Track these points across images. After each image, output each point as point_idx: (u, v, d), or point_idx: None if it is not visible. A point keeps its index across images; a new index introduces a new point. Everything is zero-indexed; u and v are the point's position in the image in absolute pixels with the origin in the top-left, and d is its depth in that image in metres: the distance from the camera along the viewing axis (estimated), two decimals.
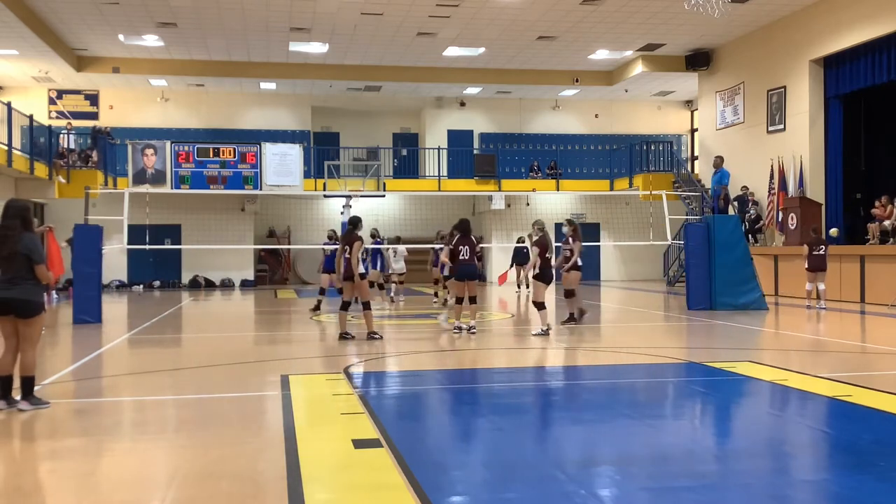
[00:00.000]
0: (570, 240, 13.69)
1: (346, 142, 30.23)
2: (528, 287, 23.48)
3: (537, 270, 12.60)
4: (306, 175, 25.53)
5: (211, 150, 22.83)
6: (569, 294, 13.72)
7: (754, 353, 10.77)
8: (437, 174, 28.01)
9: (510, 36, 23.51)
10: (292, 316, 16.72)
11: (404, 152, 30.00)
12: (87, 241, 15.04)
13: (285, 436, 5.95)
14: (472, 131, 31.22)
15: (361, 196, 25.68)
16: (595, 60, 26.46)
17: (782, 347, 11.31)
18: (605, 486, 4.84)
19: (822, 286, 16.49)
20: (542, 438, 6.19)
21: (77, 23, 21.70)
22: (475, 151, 29.80)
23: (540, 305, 12.49)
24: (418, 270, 24.60)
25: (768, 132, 22.83)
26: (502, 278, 19.87)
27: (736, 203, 23.29)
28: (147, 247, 18.73)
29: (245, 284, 28.44)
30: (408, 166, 29.68)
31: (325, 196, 26.72)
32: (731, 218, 18.02)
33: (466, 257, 12.62)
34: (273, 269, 29.34)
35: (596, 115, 31.83)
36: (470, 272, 12.68)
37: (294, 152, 23.38)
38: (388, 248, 19.92)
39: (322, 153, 27.78)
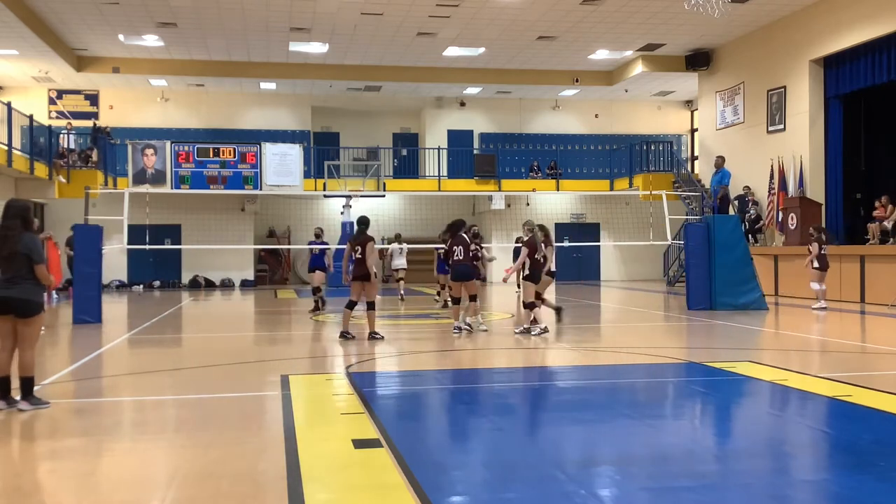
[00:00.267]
0: (543, 245, 13.53)
1: (346, 142, 30.24)
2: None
3: (527, 271, 12.55)
4: (306, 175, 25.54)
5: (211, 150, 22.84)
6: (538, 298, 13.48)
7: (754, 353, 10.76)
8: (437, 174, 28.02)
9: (510, 36, 23.51)
10: (292, 316, 16.72)
11: (404, 152, 30.00)
12: (87, 241, 15.03)
13: (285, 436, 5.95)
14: (472, 131, 31.23)
15: (361, 196, 25.69)
16: (595, 60, 26.46)
17: (782, 347, 11.31)
18: (605, 486, 4.84)
19: (824, 286, 16.52)
20: (542, 438, 6.19)
21: (77, 23, 21.70)
22: (475, 151, 29.81)
23: (530, 305, 12.49)
24: (419, 270, 24.63)
25: (768, 132, 22.83)
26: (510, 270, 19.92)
27: (736, 203, 23.29)
28: (147, 247, 18.73)
29: (245, 284, 28.45)
30: (408, 166, 29.68)
31: (325, 196, 26.73)
32: (731, 218, 18.02)
33: (460, 257, 12.59)
34: (273, 269, 29.34)
35: (596, 115, 31.83)
36: (465, 272, 12.63)
37: (294, 152, 23.39)
38: (389, 246, 19.96)
39: (322, 153, 27.79)
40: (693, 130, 31.21)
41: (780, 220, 21.49)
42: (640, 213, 25.48)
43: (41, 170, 22.69)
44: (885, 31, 18.54)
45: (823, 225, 20.61)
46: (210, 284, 28.19)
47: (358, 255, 11.88)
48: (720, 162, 23.47)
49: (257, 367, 9.82)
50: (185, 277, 28.37)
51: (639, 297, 21.30)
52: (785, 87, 22.09)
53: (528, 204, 28.85)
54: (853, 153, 21.06)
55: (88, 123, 27.06)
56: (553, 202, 29.56)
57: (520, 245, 22.36)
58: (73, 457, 5.70)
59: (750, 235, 21.91)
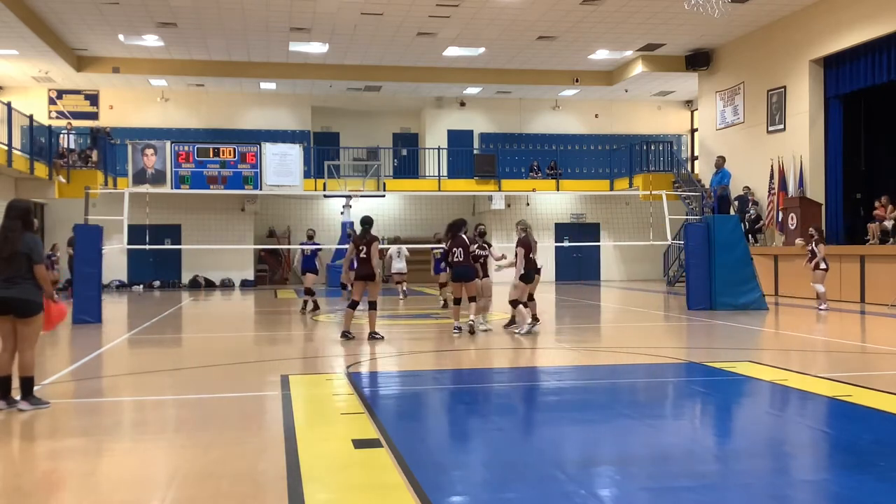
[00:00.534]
0: (486, 246, 13.43)
1: (346, 142, 30.24)
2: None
3: (522, 271, 12.49)
4: (306, 175, 25.54)
5: (211, 150, 22.84)
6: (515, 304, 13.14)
7: (754, 353, 10.76)
8: (437, 174, 28.01)
9: (510, 36, 23.51)
10: (292, 316, 16.71)
11: (404, 152, 30.00)
12: (87, 241, 15.04)
13: (285, 436, 5.95)
14: (472, 131, 31.23)
15: (361, 196, 25.69)
16: (595, 60, 26.46)
17: (782, 347, 11.31)
18: (605, 486, 4.84)
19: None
20: (542, 438, 6.19)
21: (77, 23, 21.70)
22: (475, 151, 29.80)
23: (515, 303, 12.49)
24: (420, 270, 24.62)
25: (768, 132, 22.83)
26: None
27: (736, 203, 23.29)
28: (147, 247, 18.73)
29: (245, 284, 28.45)
30: (408, 166, 29.68)
31: (325, 196, 26.73)
32: (731, 218, 18.02)
33: (460, 259, 12.53)
34: (273, 269, 29.34)
35: (596, 115, 31.83)
36: (465, 273, 12.56)
37: (294, 152, 23.39)
38: (388, 248, 19.96)
39: (322, 153, 27.79)
40: (693, 130, 31.21)
41: (780, 220, 21.50)
42: (640, 213, 25.48)
43: (41, 170, 22.70)
44: (885, 31, 18.54)
45: (823, 225, 20.64)
46: (210, 284, 28.19)
47: (363, 255, 11.87)
48: (720, 162, 23.47)
49: (257, 367, 9.82)
50: (185, 277, 28.37)
51: (639, 297, 21.30)
52: (785, 87, 22.09)
53: (528, 204, 28.85)
54: (853, 153, 21.06)
55: (88, 123, 27.09)
56: (553, 202, 29.55)
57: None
58: (73, 457, 5.70)
59: (750, 235, 21.91)
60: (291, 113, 30.07)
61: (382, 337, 11.92)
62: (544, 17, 21.64)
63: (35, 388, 7.12)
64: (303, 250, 17.21)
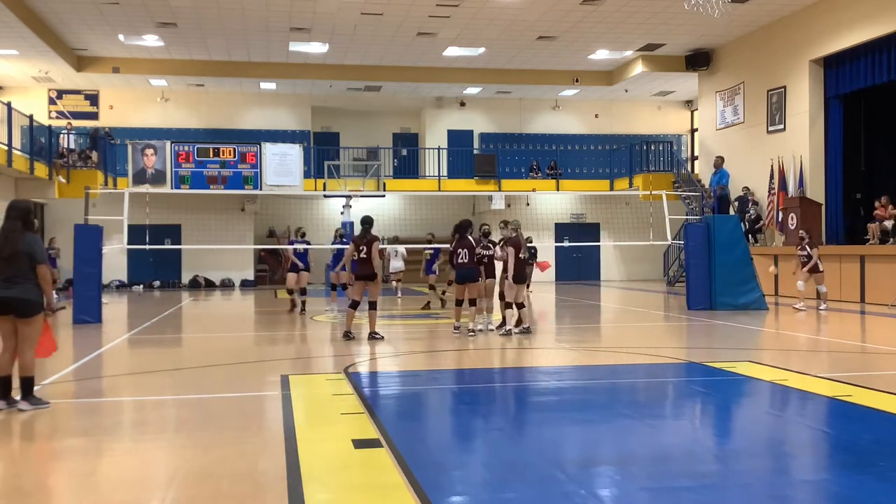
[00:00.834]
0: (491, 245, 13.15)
1: (346, 142, 30.24)
2: (528, 287, 23.49)
3: (512, 271, 12.44)
4: (306, 175, 25.53)
5: (211, 150, 22.81)
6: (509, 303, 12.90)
7: (754, 353, 10.76)
8: (437, 174, 28.01)
9: (510, 36, 23.51)
10: (292, 316, 16.70)
11: (404, 152, 30.00)
12: (87, 241, 15.04)
13: (285, 436, 5.95)
14: (472, 131, 31.23)
15: (361, 196, 25.68)
16: (595, 60, 26.46)
17: (782, 347, 11.31)
18: (605, 486, 4.84)
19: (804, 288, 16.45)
20: (542, 438, 6.18)
21: (77, 23, 21.70)
22: (475, 151, 29.80)
23: (506, 305, 12.46)
24: (418, 270, 24.57)
25: (768, 132, 22.83)
26: (544, 266, 20.01)
27: (736, 203, 23.29)
28: (147, 247, 18.72)
29: (245, 284, 28.45)
30: (408, 166, 29.68)
31: (325, 196, 26.72)
32: (731, 218, 18.02)
33: (465, 260, 12.45)
34: (273, 269, 29.33)
35: (596, 115, 31.83)
36: (468, 275, 12.48)
37: (294, 152, 23.36)
38: (386, 248, 19.96)
39: (322, 153, 27.78)
40: (693, 130, 31.21)
41: (780, 220, 21.49)
42: (640, 213, 25.48)
43: (41, 170, 22.69)
44: (885, 31, 18.54)
45: (823, 225, 20.65)
46: (210, 284, 28.19)
47: (363, 255, 11.86)
48: (719, 162, 23.47)
49: (257, 367, 9.82)
50: (185, 277, 28.37)
51: (639, 297, 21.30)
52: (785, 87, 22.09)
53: (528, 204, 28.85)
54: (853, 153, 21.06)
55: (88, 123, 27.08)
56: (553, 202, 29.55)
57: (528, 245, 22.46)
58: (73, 457, 5.70)
59: (750, 235, 21.91)
60: (291, 113, 30.07)
61: (382, 337, 11.92)
62: (544, 17, 21.64)
63: (35, 388, 7.12)
64: (296, 249, 17.06)
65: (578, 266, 30.35)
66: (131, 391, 8.40)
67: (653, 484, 4.88)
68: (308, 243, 17.39)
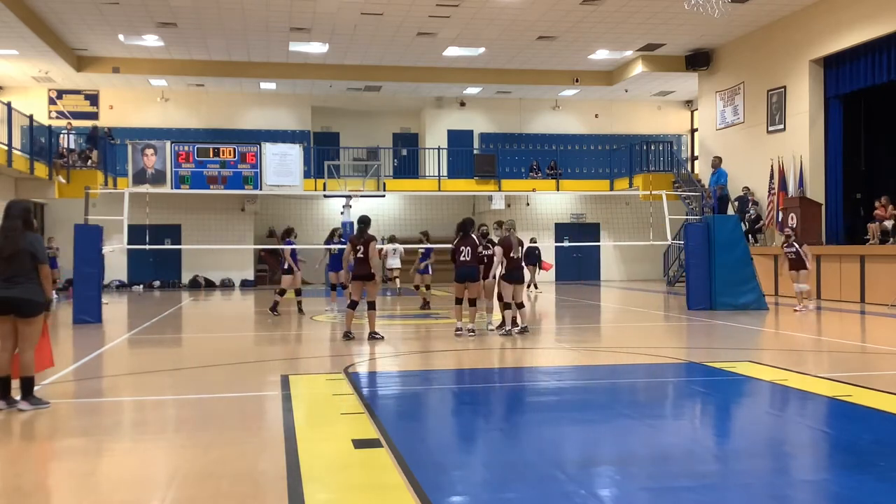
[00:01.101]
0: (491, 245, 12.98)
1: (346, 142, 30.24)
2: (536, 287, 23.52)
3: (503, 271, 12.35)
4: (306, 175, 25.53)
5: (211, 150, 22.82)
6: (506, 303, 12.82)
7: (754, 353, 10.76)
8: (437, 174, 28.02)
9: (510, 36, 23.51)
10: (292, 316, 16.70)
11: (404, 152, 30.00)
12: (87, 241, 15.02)
13: (285, 436, 5.95)
14: (472, 131, 31.24)
15: (361, 196, 25.68)
16: (595, 60, 26.46)
17: (782, 347, 11.31)
18: (605, 486, 4.84)
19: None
20: (542, 438, 6.18)
21: (77, 23, 21.70)
22: (475, 151, 29.81)
23: (504, 305, 12.42)
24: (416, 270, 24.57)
25: (768, 132, 22.83)
26: (546, 266, 20.03)
27: (736, 203, 23.28)
28: (147, 247, 18.72)
29: (245, 284, 28.45)
30: (408, 166, 29.69)
31: (325, 196, 26.72)
32: (731, 218, 18.02)
33: (467, 258, 12.35)
34: (273, 269, 29.24)
35: (596, 115, 31.84)
36: (469, 274, 12.40)
37: (294, 152, 23.37)
38: (383, 247, 19.99)
39: (322, 153, 27.79)
40: (693, 130, 31.21)
41: (780, 220, 21.49)
42: (640, 213, 25.49)
43: (41, 170, 22.70)
44: (885, 31, 18.54)
45: (823, 225, 20.65)
46: (210, 284, 28.19)
47: (360, 255, 11.85)
48: (717, 162, 23.41)
49: (257, 367, 9.82)
50: (185, 277, 28.38)
51: (639, 297, 21.30)
52: (785, 87, 22.09)
53: (528, 204, 28.86)
54: (853, 153, 21.06)
55: (88, 123, 27.07)
56: (553, 202, 29.56)
57: (532, 245, 22.50)
58: (73, 457, 5.70)
59: (750, 235, 21.91)
60: (291, 113, 30.07)
61: (382, 337, 11.91)
62: (544, 17, 21.64)
63: (35, 388, 7.11)
64: (284, 251, 16.78)
65: (578, 266, 30.35)
66: (131, 391, 8.40)
67: (653, 484, 4.88)
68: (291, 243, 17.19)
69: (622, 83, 28.07)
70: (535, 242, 21.66)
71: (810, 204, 20.43)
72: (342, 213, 25.71)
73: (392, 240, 21.62)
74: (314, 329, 14.27)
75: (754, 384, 8.25)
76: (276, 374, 8.97)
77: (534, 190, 28.48)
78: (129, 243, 18.26)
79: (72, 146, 25.06)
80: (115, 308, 19.21)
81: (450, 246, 13.19)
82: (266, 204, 28.25)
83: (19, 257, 6.95)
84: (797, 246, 15.99)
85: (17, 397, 7.01)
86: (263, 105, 29.89)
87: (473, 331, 12.47)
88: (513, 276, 12.39)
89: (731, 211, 22.66)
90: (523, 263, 12.86)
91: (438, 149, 28.54)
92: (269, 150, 23.04)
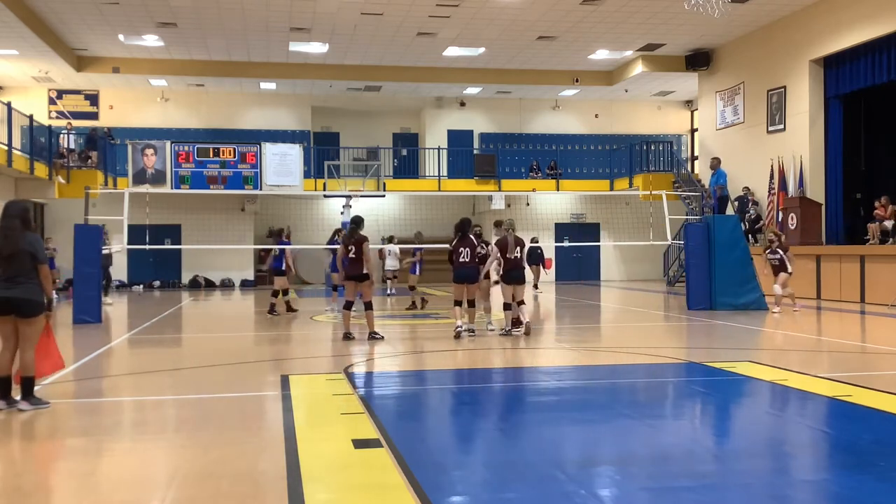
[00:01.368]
0: (485, 246, 12.87)
1: (346, 142, 30.24)
2: (536, 287, 23.51)
3: (500, 271, 12.27)
4: (306, 175, 25.53)
5: (211, 150, 22.80)
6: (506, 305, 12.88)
7: (754, 353, 10.76)
8: (437, 174, 28.02)
9: (510, 36, 23.51)
10: (292, 316, 16.70)
11: (404, 152, 30.01)
12: (87, 241, 15.03)
13: (285, 436, 5.95)
14: (472, 131, 31.24)
15: (361, 196, 25.67)
16: (595, 60, 26.46)
17: (782, 347, 11.31)
18: (605, 486, 4.84)
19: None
20: (542, 438, 6.18)
21: (77, 23, 21.70)
22: (475, 151, 29.81)
23: (505, 305, 12.38)
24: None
25: (768, 132, 22.83)
26: (548, 263, 20.02)
27: (736, 203, 23.28)
28: (147, 247, 18.72)
29: (245, 284, 28.45)
30: (408, 166, 29.69)
31: (325, 196, 26.72)
32: (730, 218, 18.02)
33: (466, 259, 12.27)
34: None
35: (596, 115, 31.84)
36: (468, 275, 12.31)
37: (294, 152, 23.36)
38: (384, 247, 19.98)
39: (322, 153, 27.79)
40: (693, 130, 31.21)
41: (780, 220, 21.49)
42: (640, 213, 25.49)
43: (41, 170, 22.70)
44: (885, 31, 18.54)
45: (823, 225, 20.64)
46: (210, 284, 28.19)
47: (352, 255, 11.85)
48: (716, 164, 23.34)
49: (257, 367, 9.82)
50: (185, 277, 28.38)
51: (639, 297, 21.30)
52: (785, 87, 22.09)
53: (528, 204, 28.86)
54: (853, 153, 21.06)
55: (88, 123, 27.08)
56: (553, 202, 29.56)
57: (534, 245, 22.47)
58: (73, 457, 5.70)
59: (750, 235, 21.90)
60: (291, 113, 30.07)
61: (382, 337, 11.91)
62: (544, 17, 21.64)
63: (35, 388, 7.11)
64: (274, 251, 16.65)
65: (578, 266, 30.35)
66: (131, 391, 8.40)
67: (653, 484, 4.88)
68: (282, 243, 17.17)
69: (622, 83, 28.07)
70: (537, 242, 21.56)
71: (810, 204, 20.43)
72: (342, 213, 25.69)
73: (391, 240, 21.65)
74: (314, 329, 14.27)
75: (754, 384, 8.25)
76: (276, 374, 8.97)
77: (534, 190, 28.48)
78: (129, 243, 18.26)
79: (72, 146, 25.07)
80: (115, 308, 19.21)
81: (444, 246, 13.15)
82: (266, 204, 28.25)
83: (19, 257, 6.95)
84: (781, 252, 15.74)
85: (17, 397, 7.00)
86: (263, 105, 29.89)
87: (473, 331, 12.46)
88: (510, 276, 12.27)
89: (730, 211, 22.65)
90: (525, 264, 12.75)
91: (438, 149, 28.54)
92: (269, 150, 23.03)
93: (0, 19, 19.59)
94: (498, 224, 13.15)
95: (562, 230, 30.14)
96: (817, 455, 5.79)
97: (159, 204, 24.16)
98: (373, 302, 12.14)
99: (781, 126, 22.29)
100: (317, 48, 24.61)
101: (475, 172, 28.27)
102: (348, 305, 12.10)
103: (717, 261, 16.17)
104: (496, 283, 13.33)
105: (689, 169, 29.12)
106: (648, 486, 4.83)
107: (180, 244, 26.81)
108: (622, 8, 20.83)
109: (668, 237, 18.74)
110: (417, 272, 18.87)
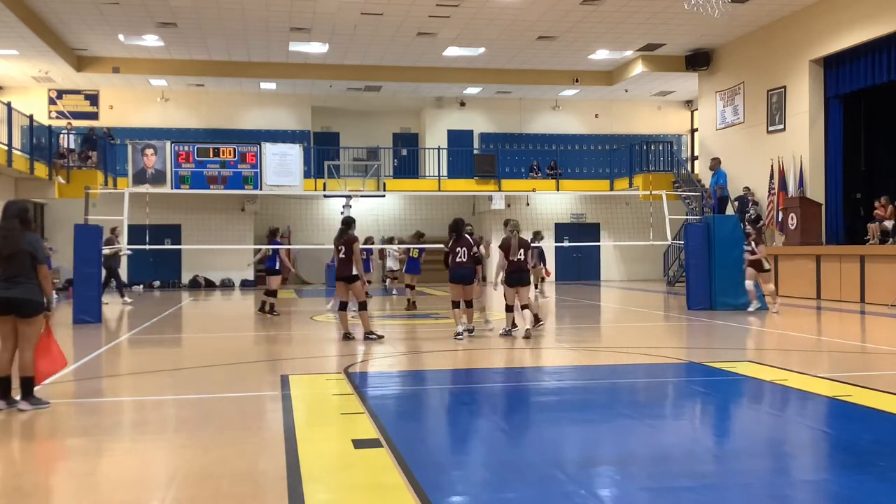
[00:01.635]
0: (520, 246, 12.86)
1: (346, 142, 30.24)
2: (535, 287, 23.44)
3: (504, 273, 12.17)
4: (306, 175, 25.53)
5: (211, 150, 22.80)
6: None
7: (754, 353, 10.76)
8: (437, 174, 28.02)
9: (510, 36, 23.51)
10: (292, 316, 16.71)
11: (404, 152, 30.01)
12: (87, 241, 15.01)
13: (285, 436, 5.95)
14: (472, 131, 31.24)
15: (361, 196, 25.68)
16: (595, 60, 26.46)
17: (782, 347, 11.31)
18: (605, 486, 4.84)
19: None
20: (542, 438, 6.18)
21: (77, 23, 21.70)
22: (475, 151, 29.81)
23: (507, 307, 12.32)
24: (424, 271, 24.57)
25: (768, 132, 22.83)
26: (547, 272, 20.07)
27: (736, 203, 23.28)
28: (147, 247, 18.72)
29: (245, 284, 28.45)
30: (408, 166, 29.69)
31: (325, 196, 26.72)
32: (731, 218, 18.01)
33: (463, 259, 12.09)
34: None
35: (596, 115, 31.84)
36: (465, 275, 12.15)
37: (294, 152, 23.36)
38: (385, 247, 19.96)
39: (322, 153, 27.80)
40: (693, 130, 31.21)
41: (780, 220, 21.49)
42: (640, 213, 25.49)
43: (41, 170, 22.70)
44: (885, 31, 18.54)
45: (823, 225, 20.64)
46: (210, 284, 28.19)
47: (341, 256, 11.83)
48: (715, 164, 23.35)
49: (257, 367, 9.82)
50: (185, 277, 28.38)
51: (639, 297, 21.30)
52: (785, 87, 22.09)
53: (528, 204, 28.86)
54: (853, 153, 21.06)
55: (88, 123, 27.08)
56: (553, 202, 29.56)
57: (535, 245, 22.34)
58: (73, 457, 5.70)
59: None
60: (291, 113, 30.07)
61: (380, 336, 11.86)
62: (544, 17, 21.64)
63: (35, 388, 7.11)
64: (268, 251, 16.62)
65: (578, 266, 30.35)
66: (131, 391, 8.40)
67: (653, 484, 4.88)
68: (279, 243, 17.13)
69: (622, 83, 28.07)
70: (541, 238, 20.86)
71: (810, 204, 20.43)
72: (342, 213, 25.67)
73: (390, 241, 21.65)
74: (314, 329, 14.27)
75: (754, 384, 8.25)
76: (276, 374, 8.97)
77: (534, 190, 28.48)
78: (129, 243, 18.26)
79: (72, 146, 25.07)
80: (115, 308, 19.20)
81: (438, 246, 13.07)
82: (266, 204, 28.25)
83: (19, 257, 6.94)
84: (753, 245, 15.53)
85: (18, 397, 7.01)
86: (263, 105, 29.89)
87: (472, 329, 12.44)
88: (513, 279, 12.14)
89: (730, 211, 22.65)
90: (529, 266, 12.59)
91: (438, 149, 28.54)
92: (269, 150, 23.02)
93: (0, 19, 19.59)
94: (507, 223, 13.03)
95: (562, 230, 30.14)
96: (817, 455, 5.79)
97: (159, 204, 24.16)
98: (367, 302, 12.12)
99: (781, 126, 22.29)
100: (317, 48, 24.61)
101: (475, 172, 28.28)
102: (343, 306, 12.10)
103: (717, 261, 16.16)
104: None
105: (689, 169, 29.12)
106: (648, 486, 4.83)
107: (180, 244, 26.81)
108: (622, 8, 20.83)
109: (668, 237, 18.74)
110: (419, 271, 18.87)
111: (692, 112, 31.35)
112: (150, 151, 22.45)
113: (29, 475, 5.35)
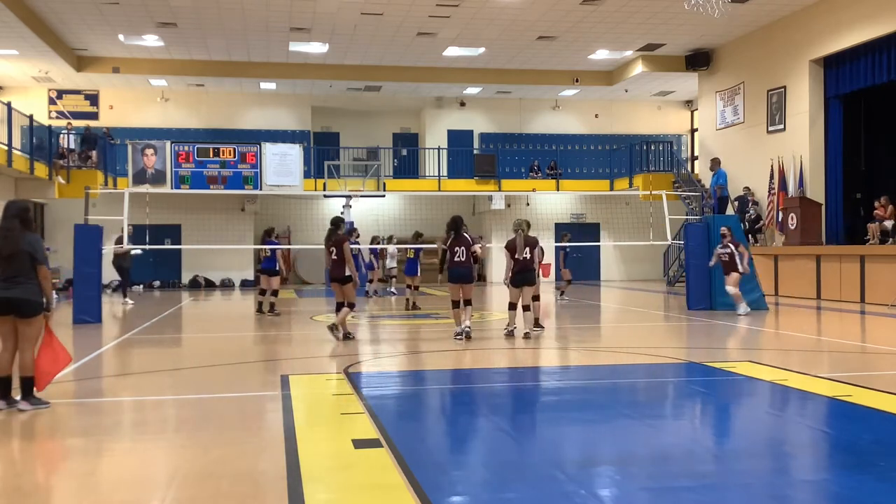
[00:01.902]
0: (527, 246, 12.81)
1: (346, 142, 30.24)
2: (562, 294, 23.36)
3: (510, 273, 12.11)
4: (306, 175, 25.55)
5: (211, 150, 22.83)
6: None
7: (754, 353, 10.76)
8: (437, 174, 28.02)
9: (510, 36, 23.51)
10: (292, 316, 16.71)
11: (404, 152, 30.01)
12: (87, 241, 15.01)
13: (285, 436, 5.95)
14: (472, 131, 31.24)
15: (361, 196, 25.70)
16: (595, 60, 26.46)
17: (782, 347, 11.31)
18: (605, 486, 4.84)
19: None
20: (542, 438, 6.18)
21: (77, 23, 21.70)
22: (475, 151, 29.81)
23: (510, 306, 12.31)
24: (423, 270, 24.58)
25: (768, 132, 22.83)
26: (546, 270, 20.01)
27: (736, 203, 23.28)
28: (147, 247, 18.73)
29: (245, 284, 28.44)
30: (408, 166, 29.69)
31: (325, 196, 26.74)
32: (730, 218, 18.02)
33: (461, 259, 11.94)
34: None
35: (596, 115, 31.84)
36: (463, 274, 12.00)
37: (294, 152, 23.38)
38: (387, 247, 19.96)
39: (322, 153, 27.80)
40: (693, 130, 31.21)
41: (780, 220, 21.49)
42: (640, 213, 25.49)
43: (41, 170, 22.70)
44: (885, 31, 18.54)
45: (823, 225, 20.64)
46: (210, 284, 28.19)
47: (334, 257, 11.81)
48: (715, 165, 23.36)
49: (257, 367, 9.82)
50: (185, 277, 28.37)
51: (639, 297, 21.30)
52: (785, 87, 22.09)
53: (528, 204, 28.86)
54: (853, 153, 21.06)
55: (88, 123, 27.07)
56: (553, 202, 29.56)
57: (566, 246, 22.31)
58: (73, 457, 5.70)
59: (750, 235, 21.90)
60: (291, 113, 30.07)
61: (350, 336, 11.76)
62: (544, 17, 21.64)
63: (39, 392, 7.11)
64: (263, 251, 16.61)
65: (578, 266, 30.27)
66: (131, 391, 8.40)
67: (653, 484, 4.88)
68: (275, 243, 17.12)
69: (622, 83, 28.07)
70: (568, 238, 20.64)
71: (810, 204, 20.43)
72: (342, 212, 25.72)
73: (389, 240, 21.66)
74: (314, 329, 14.27)
75: (754, 384, 8.25)
76: (276, 374, 8.97)
77: (534, 190, 28.49)
78: (129, 243, 18.25)
79: (72, 146, 25.08)
80: (114, 308, 19.21)
81: (432, 246, 12.97)
82: (266, 204, 28.25)
83: (19, 257, 6.94)
84: (732, 248, 15.29)
85: (18, 397, 7.01)
86: (263, 105, 29.89)
87: (470, 328, 12.40)
88: (517, 279, 12.05)
89: (730, 211, 22.66)
90: (535, 266, 12.50)
91: (438, 149, 28.54)
92: (269, 150, 23.05)
93: (0, 19, 19.59)
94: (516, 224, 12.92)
95: (562, 230, 30.11)
96: (817, 455, 5.79)
97: (159, 204, 24.17)
98: (355, 304, 12.06)
99: (781, 126, 22.29)
100: (317, 48, 24.61)
101: (475, 172, 28.28)
102: (339, 307, 12.09)
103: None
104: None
105: (689, 169, 29.13)
106: (648, 486, 4.83)
107: (180, 244, 26.81)
108: (622, 8, 20.83)
109: (668, 237, 18.74)
110: (418, 272, 18.82)
111: (692, 112, 31.35)
112: (150, 151, 22.47)
113: (29, 475, 5.35)
